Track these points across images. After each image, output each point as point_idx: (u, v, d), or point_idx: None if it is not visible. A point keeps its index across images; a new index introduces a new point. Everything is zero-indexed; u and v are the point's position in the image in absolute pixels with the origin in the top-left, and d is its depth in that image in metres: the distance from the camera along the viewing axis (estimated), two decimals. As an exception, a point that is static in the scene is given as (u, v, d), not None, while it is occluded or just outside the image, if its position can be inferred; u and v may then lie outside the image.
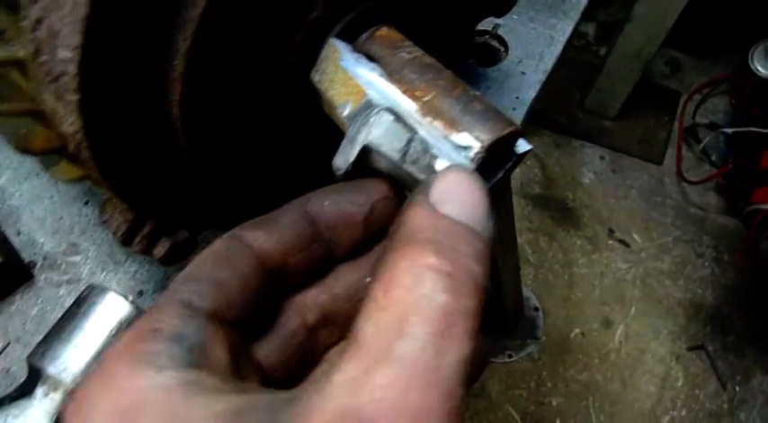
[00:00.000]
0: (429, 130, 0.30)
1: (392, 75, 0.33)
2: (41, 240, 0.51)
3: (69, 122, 0.28)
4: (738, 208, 1.90)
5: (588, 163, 2.21)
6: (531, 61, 0.57)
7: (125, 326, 0.40)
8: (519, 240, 2.07)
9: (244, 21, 0.31)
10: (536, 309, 1.95)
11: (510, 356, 1.88)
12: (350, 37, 0.35)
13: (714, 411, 1.82)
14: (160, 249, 0.38)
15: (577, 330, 1.93)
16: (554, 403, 1.84)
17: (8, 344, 0.47)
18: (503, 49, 0.58)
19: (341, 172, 0.32)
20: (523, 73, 0.56)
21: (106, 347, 0.40)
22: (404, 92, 0.31)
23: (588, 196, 2.15)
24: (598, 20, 2.48)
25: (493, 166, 0.34)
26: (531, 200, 2.14)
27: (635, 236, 2.08)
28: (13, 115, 0.32)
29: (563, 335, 1.92)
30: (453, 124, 0.30)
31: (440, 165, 0.30)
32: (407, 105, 0.31)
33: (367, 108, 0.31)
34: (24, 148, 0.33)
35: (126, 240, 0.37)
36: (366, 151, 0.31)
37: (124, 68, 0.29)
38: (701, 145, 2.09)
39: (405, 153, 0.30)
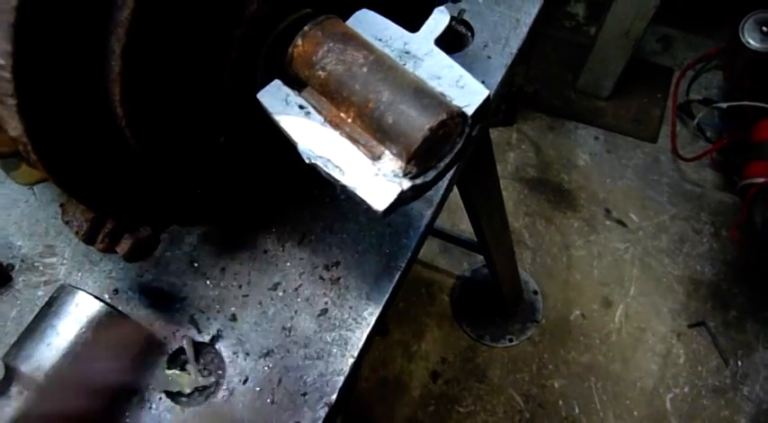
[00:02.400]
0: (355, 160, 0.31)
1: (316, 106, 0.33)
2: (18, 243, 0.52)
3: (13, 127, 0.29)
4: (734, 183, 1.89)
5: (583, 144, 2.20)
6: (497, 45, 0.57)
7: (94, 323, 0.41)
8: (516, 225, 2.07)
9: (175, 20, 0.31)
10: (535, 292, 1.95)
11: (511, 341, 1.89)
12: (291, 30, 0.35)
13: (717, 387, 1.82)
14: (123, 246, 0.38)
15: (577, 312, 1.93)
16: (556, 385, 1.84)
17: (-14, 347, 0.48)
18: (469, 33, 0.58)
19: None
20: (489, 57, 0.56)
21: (76, 345, 0.40)
22: (327, 121, 0.32)
23: (584, 178, 2.15)
24: (588, -1, 2.46)
25: (437, 149, 0.34)
26: (527, 184, 2.14)
27: (632, 215, 2.07)
28: None
29: (563, 317, 1.93)
30: (372, 151, 0.31)
31: (374, 200, 0.31)
32: (331, 142, 0.32)
33: (302, 144, 0.32)
34: None
35: (88, 239, 0.38)
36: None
37: (60, 71, 0.29)
38: (695, 121, 2.08)
39: (343, 187, 0.31)
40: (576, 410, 1.81)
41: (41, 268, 0.51)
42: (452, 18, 0.61)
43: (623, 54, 2.02)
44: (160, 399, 0.46)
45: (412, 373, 1.87)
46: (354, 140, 0.33)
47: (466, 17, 0.59)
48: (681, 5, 2.38)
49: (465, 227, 1.52)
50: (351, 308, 0.48)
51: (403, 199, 0.33)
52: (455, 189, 1.17)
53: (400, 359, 1.88)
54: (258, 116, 0.35)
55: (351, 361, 0.46)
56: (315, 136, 0.33)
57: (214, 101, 0.36)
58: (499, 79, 0.56)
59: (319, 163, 0.33)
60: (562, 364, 1.87)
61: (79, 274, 0.50)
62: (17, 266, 0.51)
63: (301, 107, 0.34)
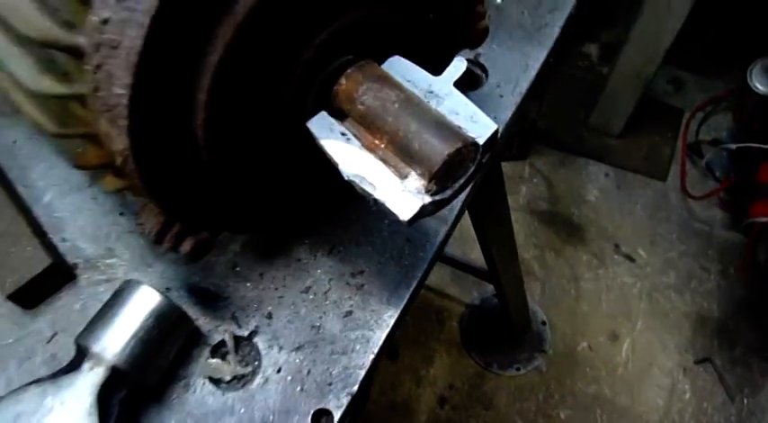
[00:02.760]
0: (385, 177, 0.39)
1: (356, 134, 0.41)
2: (83, 246, 0.59)
3: (119, 142, 0.36)
4: (741, 222, 1.93)
5: (593, 180, 2.27)
6: (509, 85, 0.65)
7: (156, 314, 0.48)
8: (526, 256, 2.13)
9: (250, 66, 0.39)
10: (543, 323, 2.00)
11: (518, 369, 1.92)
12: (337, 72, 0.43)
13: (722, 424, 1.84)
14: (186, 246, 0.46)
15: (584, 344, 1.97)
16: (562, 416, 1.87)
17: (56, 334, 0.55)
18: (483, 74, 0.66)
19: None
20: (501, 96, 0.64)
21: (140, 330, 0.47)
22: (364, 146, 0.40)
23: (594, 212, 2.20)
24: (601, 41, 2.55)
25: (453, 172, 0.41)
26: (538, 216, 2.20)
27: (640, 251, 2.12)
28: (73, 137, 0.40)
29: (570, 348, 1.96)
30: (401, 172, 0.39)
31: (401, 211, 0.38)
32: (364, 162, 0.40)
33: (341, 165, 0.40)
34: (80, 164, 0.42)
35: (158, 239, 0.45)
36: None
37: (161, 100, 0.37)
38: (704, 160, 2.14)
39: (375, 201, 0.39)
40: (582, 441, 1.84)
41: (102, 268, 0.58)
42: (469, 61, 0.69)
43: (634, 94, 2.10)
44: (203, 384, 0.52)
45: (420, 398, 1.90)
46: (386, 162, 0.40)
47: (481, 60, 0.67)
48: (692, 49, 2.46)
49: (476, 256, 1.58)
50: (373, 311, 0.54)
51: (424, 211, 0.40)
52: (468, 220, 1.23)
53: (409, 383, 1.92)
54: (306, 141, 0.43)
55: (371, 357, 0.52)
56: (353, 158, 0.40)
57: (274, 127, 0.43)
58: (510, 115, 0.63)
59: (356, 180, 0.40)
60: (568, 394, 1.90)
61: (136, 274, 0.57)
62: (81, 266, 0.58)
63: (342, 134, 0.41)
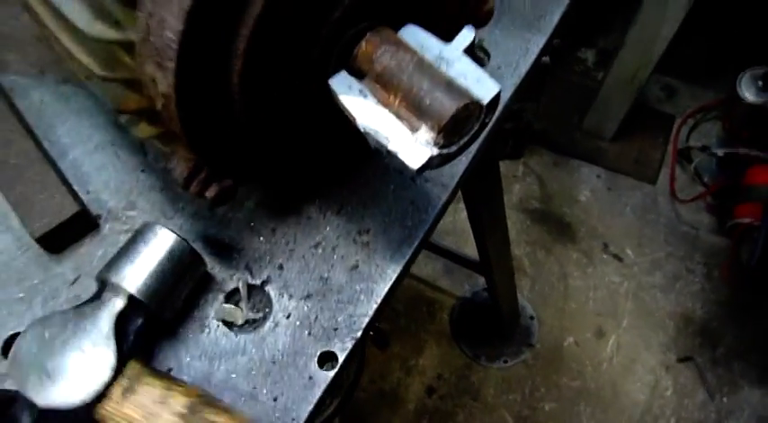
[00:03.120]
0: (398, 130, 0.43)
1: (372, 91, 0.45)
2: (106, 199, 0.63)
3: (165, 84, 0.41)
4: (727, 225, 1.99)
5: (585, 181, 2.32)
6: (509, 68, 0.69)
7: (171, 253, 0.52)
8: (518, 253, 2.18)
9: (285, 21, 0.43)
10: (532, 317, 2.04)
11: (505, 362, 1.97)
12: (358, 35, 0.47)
13: (702, 421, 1.89)
14: (211, 191, 0.50)
15: (571, 339, 2.02)
16: (547, 408, 1.92)
17: (78, 276, 0.59)
18: (486, 57, 0.70)
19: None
20: (502, 77, 0.68)
21: (159, 265, 0.51)
22: (380, 102, 0.44)
23: (584, 213, 2.25)
24: (598, 46, 2.61)
25: (461, 124, 0.45)
26: (530, 215, 2.25)
27: (628, 251, 2.17)
28: (116, 82, 0.44)
29: (557, 343, 2.01)
30: (413, 126, 0.43)
31: (411, 160, 0.42)
32: (380, 116, 0.44)
33: (359, 119, 0.44)
34: (120, 109, 0.46)
35: (186, 184, 0.49)
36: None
37: (206, 48, 0.41)
38: (693, 164, 2.20)
39: (388, 151, 0.43)
40: (565, 434, 1.88)
41: (123, 219, 0.62)
42: (472, 43, 0.73)
43: (627, 99, 2.15)
44: (218, 326, 0.56)
45: (408, 387, 1.94)
46: (399, 117, 0.44)
47: (484, 44, 0.71)
48: (684, 58, 2.52)
49: (469, 250, 1.62)
50: (377, 265, 0.58)
51: (432, 162, 0.44)
52: (464, 213, 1.27)
53: (398, 373, 1.96)
54: (328, 99, 0.47)
55: (375, 306, 0.56)
56: (369, 113, 0.45)
57: (301, 83, 0.48)
58: (509, 95, 0.67)
59: (371, 132, 0.44)
60: (554, 387, 1.94)
61: (157, 226, 0.61)
62: (104, 216, 0.62)
63: (360, 91, 0.45)
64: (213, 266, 0.59)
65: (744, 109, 2.01)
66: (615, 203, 2.27)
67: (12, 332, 0.56)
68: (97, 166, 0.65)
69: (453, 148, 0.45)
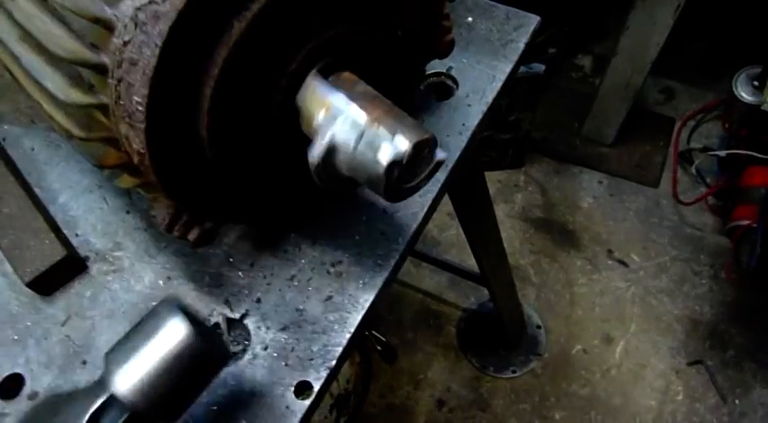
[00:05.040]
0: (375, 132, 0.46)
1: (350, 98, 0.48)
2: (94, 241, 0.66)
3: (137, 143, 0.44)
4: (727, 226, 1.98)
5: (587, 187, 2.33)
6: (476, 96, 0.72)
7: (181, 354, 0.47)
8: (522, 262, 2.19)
9: (245, 77, 0.47)
10: (538, 326, 2.05)
11: (514, 372, 1.97)
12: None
13: (715, 424, 1.88)
14: (193, 234, 0.53)
15: (579, 347, 2.02)
16: (557, 417, 1.92)
17: (69, 317, 0.62)
18: (454, 85, 0.73)
19: (314, 164, 0.47)
20: (469, 105, 0.71)
21: (163, 363, 0.47)
22: (359, 107, 0.47)
23: (587, 219, 2.26)
24: (594, 53, 2.62)
25: (418, 163, 0.48)
26: (533, 223, 2.26)
27: (633, 256, 2.17)
28: (96, 141, 0.48)
29: (565, 351, 2.01)
30: (392, 129, 0.46)
31: (383, 155, 0.45)
32: (361, 116, 0.47)
33: (333, 118, 0.47)
34: (100, 164, 0.49)
35: (169, 228, 0.52)
36: (331, 148, 0.46)
37: (172, 107, 0.45)
38: (694, 166, 2.20)
39: (357, 146, 0.46)
40: (577, 442, 1.88)
41: (110, 260, 0.65)
42: (442, 73, 0.76)
43: (624, 104, 2.16)
44: (199, 361, 0.59)
45: (418, 401, 1.96)
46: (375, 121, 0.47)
47: (453, 73, 0.74)
48: (683, 60, 2.53)
49: (472, 263, 1.64)
50: (350, 295, 0.61)
51: (391, 177, 0.46)
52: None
53: (407, 387, 1.98)
54: (295, 141, 0.50)
55: (348, 335, 0.58)
56: (347, 105, 0.48)
57: (266, 129, 0.51)
58: (476, 123, 0.70)
59: (345, 128, 0.48)
60: (563, 396, 1.94)
61: (140, 265, 0.64)
62: (92, 258, 0.65)
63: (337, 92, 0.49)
64: (195, 302, 0.62)
65: (741, 109, 2.01)
66: (618, 208, 2.27)
67: (8, 373, 0.59)
68: (85, 209, 0.68)
69: (414, 182, 0.48)
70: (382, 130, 0.46)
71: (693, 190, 2.24)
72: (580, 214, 2.27)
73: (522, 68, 2.00)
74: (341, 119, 0.47)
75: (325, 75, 0.52)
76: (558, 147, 2.39)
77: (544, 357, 2.00)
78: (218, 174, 0.52)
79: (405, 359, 2.02)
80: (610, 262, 2.17)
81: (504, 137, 2.17)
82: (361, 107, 0.47)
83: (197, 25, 0.43)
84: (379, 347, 1.99)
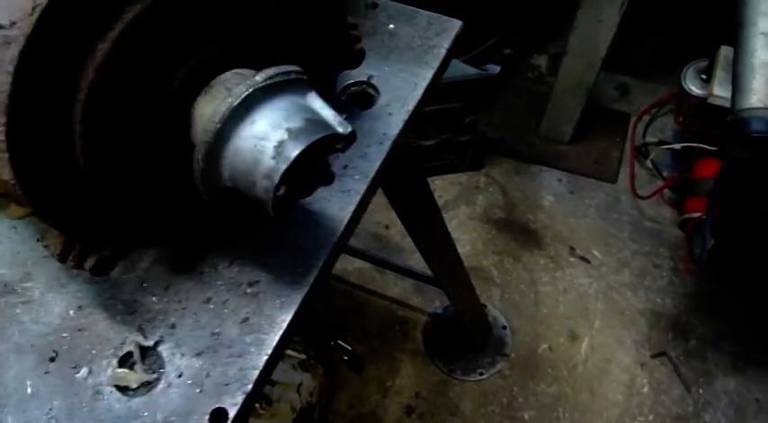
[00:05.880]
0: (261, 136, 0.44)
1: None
2: (2, 272, 0.64)
3: (6, 173, 0.42)
4: (681, 219, 2.01)
5: (547, 186, 2.34)
6: (398, 104, 0.71)
7: None
8: (485, 263, 2.19)
9: (117, 98, 0.45)
10: (504, 327, 2.05)
11: (481, 374, 1.97)
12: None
13: (680, 415, 1.89)
14: (89, 263, 0.51)
15: (545, 345, 2.02)
16: (526, 417, 1.92)
17: (-28, 353, 0.59)
18: (376, 94, 0.72)
19: (197, 169, 0.45)
20: (390, 114, 0.70)
21: None
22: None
23: (548, 217, 2.27)
24: (549, 52, 2.65)
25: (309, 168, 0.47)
26: (495, 224, 2.26)
27: (595, 252, 2.19)
28: None
29: (531, 350, 2.02)
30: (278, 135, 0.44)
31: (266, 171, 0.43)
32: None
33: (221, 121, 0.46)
34: None
35: (62, 258, 0.50)
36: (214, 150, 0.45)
37: (39, 133, 0.43)
38: (648, 160, 2.23)
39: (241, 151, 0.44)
40: (546, 441, 1.88)
41: (20, 291, 0.63)
42: (363, 82, 0.75)
43: (578, 102, 2.18)
44: (111, 392, 0.57)
45: (387, 409, 1.94)
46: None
47: (374, 81, 0.73)
48: (636, 56, 2.57)
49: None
50: (267, 316, 0.59)
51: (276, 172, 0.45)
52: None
53: (375, 395, 1.96)
54: (180, 160, 0.48)
55: (265, 357, 0.57)
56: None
57: (149, 150, 0.49)
58: (397, 132, 0.69)
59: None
60: (531, 396, 1.95)
61: (51, 295, 0.62)
62: (1, 291, 0.63)
63: None
64: (107, 331, 0.59)
65: (691, 102, 2.04)
66: (578, 206, 2.29)
67: None
68: (-6, 239, 0.66)
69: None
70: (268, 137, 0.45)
71: (651, 184, 2.27)
72: (541, 213, 2.28)
73: (477, 70, 2.02)
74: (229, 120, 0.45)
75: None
76: (517, 147, 2.41)
77: (511, 358, 2.01)
78: (102, 197, 0.50)
79: (372, 367, 2.00)
80: (572, 259, 2.18)
81: (461, 139, 2.17)
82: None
83: (54, 48, 0.41)
84: (345, 357, 1.97)
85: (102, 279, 0.62)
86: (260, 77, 0.45)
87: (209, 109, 0.46)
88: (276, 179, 0.43)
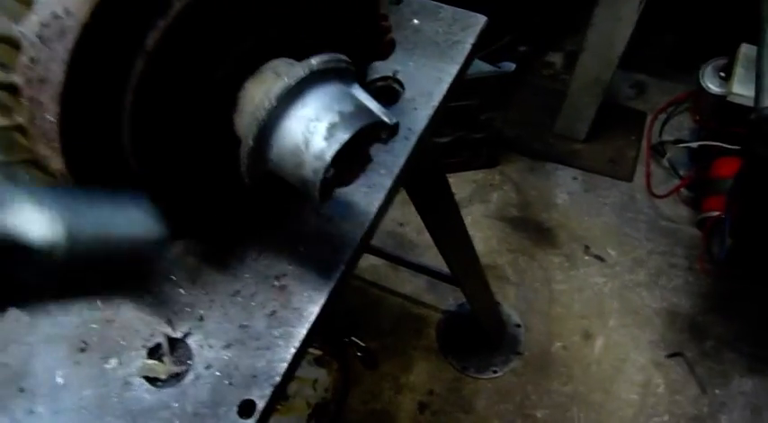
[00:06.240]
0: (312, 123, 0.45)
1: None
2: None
3: (56, 162, 0.43)
4: (699, 218, 1.99)
5: (562, 184, 2.33)
6: (423, 99, 0.71)
7: None
8: (499, 261, 2.18)
9: (167, 88, 0.45)
10: (518, 325, 2.04)
11: (495, 372, 1.97)
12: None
13: (696, 415, 1.88)
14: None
15: (559, 344, 2.02)
16: (539, 415, 1.91)
17: (6, 344, 0.60)
18: (401, 89, 0.72)
19: (244, 156, 0.45)
20: (415, 109, 0.70)
21: None
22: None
23: (563, 216, 2.26)
24: (565, 50, 2.63)
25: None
26: (509, 222, 2.26)
27: (610, 251, 2.18)
28: (17, 163, 0.46)
29: (545, 349, 2.01)
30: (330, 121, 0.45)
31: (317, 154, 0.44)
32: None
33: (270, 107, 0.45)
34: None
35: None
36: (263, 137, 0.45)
37: (90, 122, 0.43)
38: (665, 159, 2.21)
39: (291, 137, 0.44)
40: (560, 440, 1.88)
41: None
42: (388, 77, 0.75)
43: (594, 100, 2.17)
44: (140, 383, 0.57)
45: (400, 405, 1.94)
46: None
47: (399, 76, 0.73)
48: (653, 54, 2.55)
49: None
50: (295, 309, 0.59)
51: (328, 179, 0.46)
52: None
53: (388, 391, 1.96)
54: (227, 153, 0.48)
55: (293, 350, 0.57)
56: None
57: (196, 140, 0.50)
58: (423, 127, 0.69)
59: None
60: (545, 394, 1.94)
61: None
62: (30, 281, 0.63)
63: None
64: (136, 323, 0.60)
65: (709, 100, 2.02)
66: (593, 204, 2.28)
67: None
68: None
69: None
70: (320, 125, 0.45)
71: (667, 183, 2.25)
72: (556, 211, 2.27)
73: (493, 67, 2.01)
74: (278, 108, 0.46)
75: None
76: (532, 144, 2.40)
77: (525, 356, 2.00)
78: (147, 187, 0.50)
79: (386, 364, 2.00)
80: (587, 258, 2.17)
81: (476, 136, 2.17)
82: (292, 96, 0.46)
83: (107, 37, 0.42)
84: (359, 353, 1.98)
85: (130, 271, 0.63)
86: (315, 61, 0.45)
87: (259, 91, 0.46)
88: (328, 159, 0.44)
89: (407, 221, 2.23)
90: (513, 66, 2.11)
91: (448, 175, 1.40)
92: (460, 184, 2.32)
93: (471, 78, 1.95)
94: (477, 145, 2.22)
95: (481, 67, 1.99)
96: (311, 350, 1.67)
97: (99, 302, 0.61)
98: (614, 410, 1.90)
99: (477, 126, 2.12)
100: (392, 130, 0.47)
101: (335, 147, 0.44)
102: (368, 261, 2.11)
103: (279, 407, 1.58)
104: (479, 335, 1.96)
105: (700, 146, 2.08)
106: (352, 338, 1.97)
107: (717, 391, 1.91)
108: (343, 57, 0.46)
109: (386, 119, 0.47)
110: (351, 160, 0.47)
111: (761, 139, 1.02)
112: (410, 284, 2.14)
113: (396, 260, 1.97)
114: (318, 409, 1.59)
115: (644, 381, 1.94)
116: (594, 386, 1.94)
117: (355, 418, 1.91)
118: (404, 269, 2.09)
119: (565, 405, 1.92)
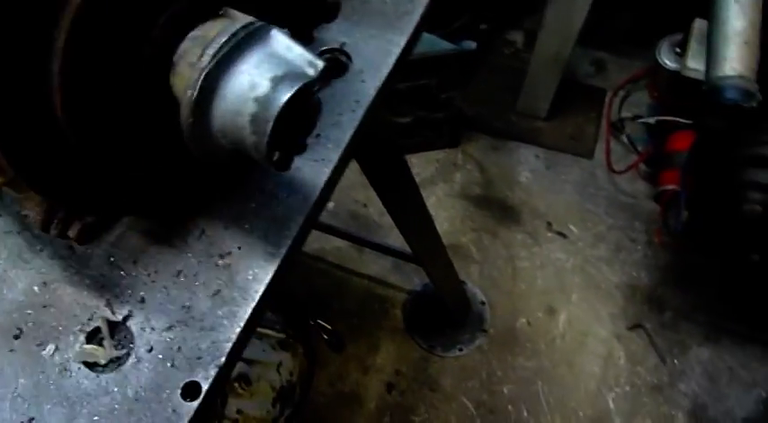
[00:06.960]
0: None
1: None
2: (-40, 249, 0.61)
3: None
4: (657, 192, 2.02)
5: (524, 162, 2.34)
6: (370, 71, 0.69)
7: None
8: (463, 240, 2.19)
9: (96, 51, 0.43)
10: (482, 303, 2.06)
11: (461, 350, 1.98)
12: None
13: (656, 385, 1.93)
14: (73, 230, 0.49)
15: (523, 320, 2.04)
16: (505, 391, 1.94)
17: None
18: (348, 61, 0.70)
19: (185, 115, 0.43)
20: (363, 81, 0.68)
21: None
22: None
23: (526, 193, 2.28)
24: (525, 28, 2.63)
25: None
26: (473, 201, 2.26)
27: (571, 227, 2.21)
28: None
29: (510, 325, 2.03)
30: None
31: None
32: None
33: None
34: None
35: (44, 227, 0.48)
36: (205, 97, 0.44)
37: (17, 90, 0.41)
38: (624, 135, 2.24)
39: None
40: (525, 414, 1.91)
41: (-20, 268, 0.60)
42: (335, 49, 0.73)
43: (555, 78, 2.18)
44: (79, 369, 0.55)
45: (367, 386, 1.95)
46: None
47: (346, 48, 0.71)
48: (611, 31, 2.56)
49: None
50: (240, 288, 0.58)
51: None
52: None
53: (356, 373, 1.96)
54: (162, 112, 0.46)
55: (238, 330, 0.55)
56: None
57: (131, 107, 0.47)
58: (370, 100, 0.67)
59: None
60: (510, 370, 1.97)
61: (14, 271, 0.60)
62: (-40, 268, 0.60)
63: None
64: (74, 307, 0.57)
65: (665, 76, 2.04)
66: (555, 181, 2.30)
67: None
68: (-49, 216, 0.63)
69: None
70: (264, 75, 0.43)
71: (626, 159, 2.28)
72: (518, 189, 2.29)
73: (453, 46, 2.00)
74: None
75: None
76: (494, 123, 2.40)
77: (490, 333, 2.02)
78: (85, 159, 0.47)
79: (352, 346, 2.00)
80: (549, 234, 2.20)
81: (437, 116, 2.16)
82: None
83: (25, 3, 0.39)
84: (325, 336, 1.97)
85: (68, 255, 0.60)
86: (222, 38, 0.43)
87: (197, 50, 0.44)
88: (279, 104, 0.42)
89: (371, 202, 2.21)
90: (473, 44, 2.10)
91: (410, 155, 1.39)
92: (423, 164, 2.31)
93: (431, 57, 1.93)
94: (439, 124, 2.22)
95: (441, 45, 1.97)
96: (274, 334, 1.65)
97: (35, 287, 0.58)
98: (578, 383, 1.94)
99: (437, 105, 2.11)
100: (321, 80, 0.46)
101: (287, 92, 0.43)
102: (332, 243, 2.09)
103: (242, 391, 1.56)
104: (445, 314, 1.97)
105: (657, 121, 2.10)
106: (318, 321, 1.96)
107: (675, 361, 1.97)
108: (250, 18, 0.45)
109: (310, 71, 0.45)
110: (297, 123, 0.45)
111: (711, 111, 1.03)
112: (375, 266, 2.13)
113: (360, 242, 1.96)
114: (283, 393, 1.57)
115: (606, 353, 1.99)
116: (559, 360, 1.97)
117: (323, 400, 1.91)
118: (368, 250, 2.08)
119: (530, 380, 1.95)
